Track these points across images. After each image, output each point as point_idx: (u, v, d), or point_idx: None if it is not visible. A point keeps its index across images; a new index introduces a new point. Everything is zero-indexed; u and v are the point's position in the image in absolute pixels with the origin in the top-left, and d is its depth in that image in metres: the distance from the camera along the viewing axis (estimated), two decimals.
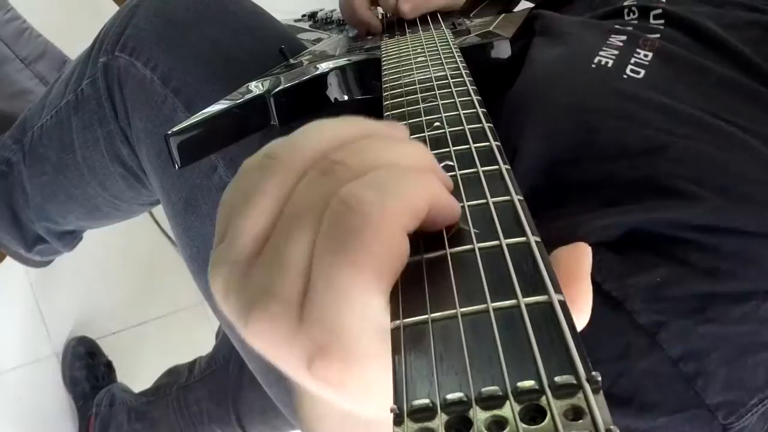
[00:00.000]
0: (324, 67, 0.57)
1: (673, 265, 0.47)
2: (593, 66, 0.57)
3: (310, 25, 0.83)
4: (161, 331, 1.31)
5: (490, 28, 0.62)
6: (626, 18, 0.62)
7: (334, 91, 0.57)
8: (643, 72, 0.56)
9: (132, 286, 1.30)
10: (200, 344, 1.19)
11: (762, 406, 0.46)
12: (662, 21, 0.60)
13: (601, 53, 0.58)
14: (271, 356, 0.23)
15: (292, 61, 0.61)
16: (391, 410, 0.17)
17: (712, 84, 0.54)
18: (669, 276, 0.47)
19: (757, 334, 0.46)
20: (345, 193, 0.22)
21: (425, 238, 0.24)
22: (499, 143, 0.30)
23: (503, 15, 0.69)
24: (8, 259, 1.06)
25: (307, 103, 0.56)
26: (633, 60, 0.56)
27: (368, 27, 0.71)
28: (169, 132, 0.50)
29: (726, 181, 0.49)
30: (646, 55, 0.57)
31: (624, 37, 0.59)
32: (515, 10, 0.77)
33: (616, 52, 0.58)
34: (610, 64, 0.57)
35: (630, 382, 0.45)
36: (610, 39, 0.59)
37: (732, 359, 0.45)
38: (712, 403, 0.45)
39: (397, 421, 0.17)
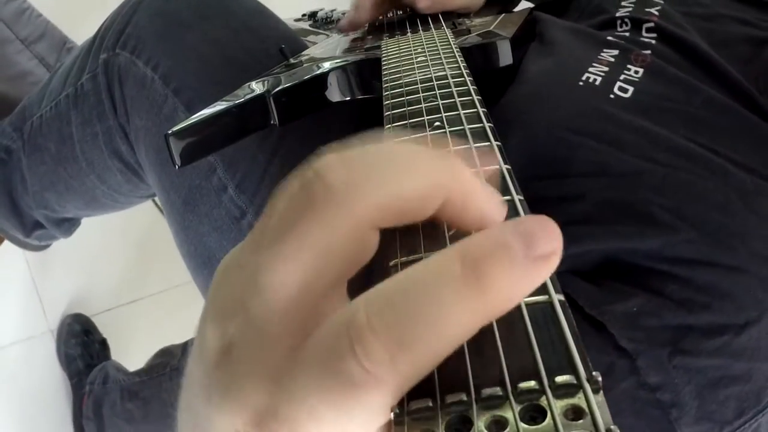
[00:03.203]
0: (324, 66, 0.57)
1: (649, 295, 0.48)
2: (581, 84, 0.57)
3: (310, 25, 0.83)
4: (156, 307, 1.32)
5: (491, 28, 0.62)
6: (618, 30, 0.62)
7: (335, 91, 0.57)
8: (631, 90, 0.55)
9: (127, 263, 1.31)
10: (194, 321, 1.19)
11: None
12: (654, 35, 0.59)
13: (590, 69, 0.57)
14: None
15: (292, 60, 0.61)
16: (392, 410, 0.17)
17: (699, 104, 0.54)
18: (644, 306, 0.47)
19: (728, 368, 0.46)
20: None
21: (425, 238, 0.24)
22: (499, 143, 0.30)
23: (503, 15, 0.69)
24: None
25: (307, 102, 0.56)
26: (623, 77, 0.56)
27: (361, 21, 0.71)
28: (169, 132, 0.50)
29: (702, 212, 0.49)
30: (636, 72, 0.56)
31: (616, 52, 0.59)
32: (515, 9, 0.77)
33: (606, 69, 0.57)
34: (598, 82, 0.56)
35: (610, 403, 0.45)
36: (602, 54, 0.59)
37: (704, 392, 0.46)
38: None
39: (398, 421, 0.17)
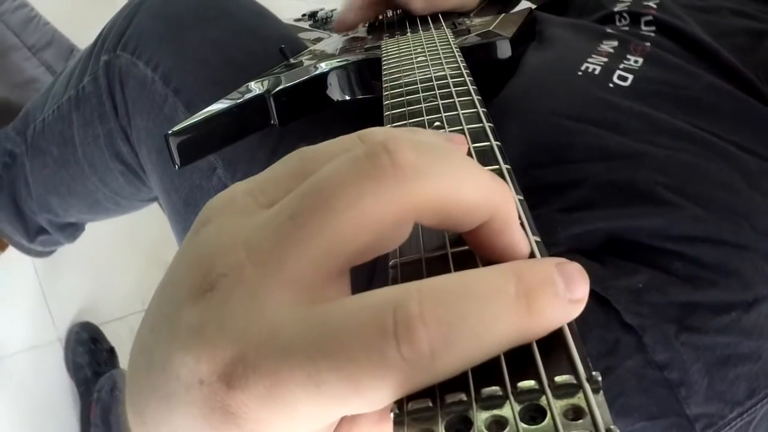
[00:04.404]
0: (324, 66, 0.57)
1: (654, 272, 0.47)
2: (579, 73, 0.57)
3: (310, 25, 0.83)
4: None
5: (490, 28, 0.62)
6: (617, 24, 0.62)
7: (335, 91, 0.57)
8: (630, 78, 0.55)
9: (136, 272, 1.31)
10: None
11: (740, 420, 0.45)
12: (653, 28, 0.60)
13: (589, 60, 0.57)
14: None
15: (292, 60, 0.61)
16: (391, 411, 0.17)
17: (699, 90, 0.53)
18: (650, 282, 0.47)
19: (737, 346, 0.45)
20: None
21: (425, 239, 0.24)
22: (499, 143, 0.30)
23: (503, 15, 0.69)
24: None
25: (307, 102, 0.56)
26: (622, 66, 0.56)
27: (349, 21, 0.70)
28: (170, 131, 0.50)
29: (706, 190, 0.48)
30: (636, 61, 0.56)
31: (615, 43, 0.59)
32: (515, 9, 0.77)
33: (605, 60, 0.57)
34: (597, 72, 0.56)
35: (616, 381, 0.45)
36: (602, 45, 0.59)
37: (713, 370, 0.45)
38: (692, 413, 0.45)
39: (398, 421, 0.17)
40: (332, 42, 0.70)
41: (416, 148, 0.19)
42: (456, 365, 0.17)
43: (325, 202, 0.18)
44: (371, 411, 0.17)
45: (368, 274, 0.21)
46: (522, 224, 0.24)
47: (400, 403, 0.17)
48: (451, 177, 0.19)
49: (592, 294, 0.47)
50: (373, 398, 0.17)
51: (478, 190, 0.20)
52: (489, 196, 0.20)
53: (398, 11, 0.74)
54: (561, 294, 0.18)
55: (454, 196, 0.19)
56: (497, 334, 0.17)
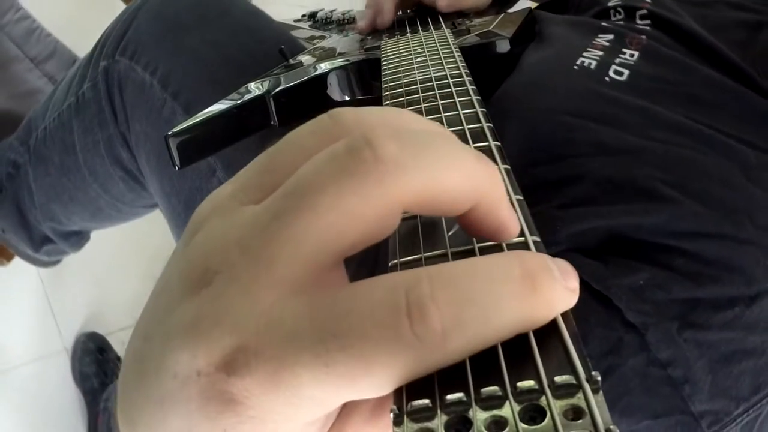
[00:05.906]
0: (324, 67, 0.57)
1: (656, 269, 0.47)
2: (575, 68, 0.57)
3: (310, 25, 0.83)
4: None
5: (490, 28, 0.62)
6: (612, 18, 0.62)
7: (334, 91, 0.57)
8: (627, 73, 0.55)
9: (142, 281, 1.31)
10: None
11: (746, 416, 0.45)
12: (648, 21, 0.60)
13: (585, 54, 0.57)
14: None
15: (291, 61, 0.61)
16: (391, 410, 0.17)
17: (697, 84, 0.53)
18: (651, 279, 0.47)
19: (741, 341, 0.45)
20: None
21: (425, 238, 0.24)
22: (499, 143, 0.30)
23: (503, 14, 0.69)
24: None
25: (307, 103, 0.56)
26: (618, 60, 0.56)
27: (379, 17, 0.69)
28: (169, 132, 0.50)
29: (706, 186, 0.48)
30: (632, 55, 0.56)
31: (611, 36, 0.59)
32: (514, 9, 0.77)
33: (600, 53, 0.57)
34: (593, 66, 0.56)
35: (619, 380, 0.45)
36: (597, 39, 0.59)
37: (717, 367, 0.45)
38: (697, 410, 0.45)
39: (397, 421, 0.17)
40: (332, 42, 0.70)
41: (398, 139, 0.19)
42: (466, 346, 0.17)
43: (308, 202, 0.18)
44: (375, 396, 0.17)
45: (369, 274, 0.21)
46: (521, 225, 0.23)
47: (399, 403, 0.17)
48: (435, 167, 0.19)
49: (594, 293, 0.47)
50: (382, 377, 0.17)
51: (461, 177, 0.19)
52: (474, 182, 0.20)
53: (399, 11, 0.74)
54: (558, 278, 0.18)
55: (438, 186, 0.19)
56: (506, 314, 0.18)
